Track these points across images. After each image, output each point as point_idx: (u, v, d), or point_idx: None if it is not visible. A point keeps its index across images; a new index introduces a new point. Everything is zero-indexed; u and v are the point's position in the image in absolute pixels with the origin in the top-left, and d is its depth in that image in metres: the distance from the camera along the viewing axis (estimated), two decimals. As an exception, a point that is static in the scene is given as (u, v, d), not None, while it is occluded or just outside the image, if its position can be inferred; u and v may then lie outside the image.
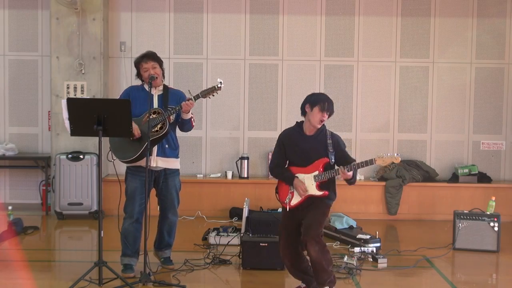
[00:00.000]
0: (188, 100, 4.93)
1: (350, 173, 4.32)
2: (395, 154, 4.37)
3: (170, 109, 4.98)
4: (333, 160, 4.39)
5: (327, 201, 4.49)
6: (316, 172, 4.40)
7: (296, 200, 4.47)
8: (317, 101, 4.42)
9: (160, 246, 5.38)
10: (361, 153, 7.89)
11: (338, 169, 4.36)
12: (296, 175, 4.46)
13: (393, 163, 7.67)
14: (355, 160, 4.44)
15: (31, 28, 7.95)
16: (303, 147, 4.46)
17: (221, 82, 4.93)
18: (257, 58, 8.01)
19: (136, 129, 4.90)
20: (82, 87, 7.54)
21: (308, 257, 4.47)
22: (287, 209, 4.52)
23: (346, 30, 7.97)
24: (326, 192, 4.42)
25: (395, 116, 8.04)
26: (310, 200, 4.44)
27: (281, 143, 4.60)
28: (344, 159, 4.44)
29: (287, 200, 4.50)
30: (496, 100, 8.03)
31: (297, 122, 4.61)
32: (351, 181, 4.42)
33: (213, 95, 5.02)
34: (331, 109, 4.44)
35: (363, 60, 8.00)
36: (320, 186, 4.41)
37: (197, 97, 4.96)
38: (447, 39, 7.98)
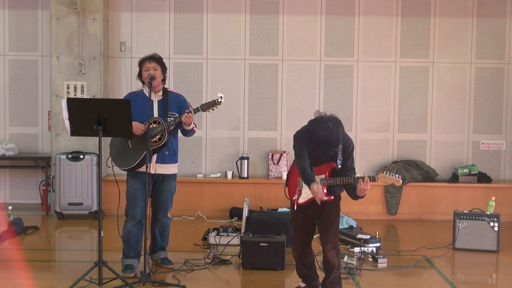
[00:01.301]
0: (188, 113, 4.96)
1: (369, 186, 4.24)
2: (397, 176, 4.30)
3: (170, 120, 5.01)
4: (339, 166, 4.36)
5: (337, 192, 4.49)
6: (323, 176, 4.38)
7: (303, 199, 4.46)
8: (317, 145, 4.30)
9: (154, 249, 5.39)
10: (361, 153, 7.88)
11: (360, 177, 4.27)
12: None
13: (394, 164, 7.62)
14: (355, 173, 4.39)
15: (31, 28, 7.95)
16: (315, 149, 4.40)
17: (221, 97, 4.99)
18: (257, 58, 8.01)
19: (137, 126, 4.90)
20: (82, 87, 7.54)
21: (323, 257, 4.50)
22: (295, 207, 4.51)
23: (346, 30, 7.97)
24: (332, 198, 4.40)
25: (395, 116, 8.04)
26: None
27: (301, 142, 4.45)
28: (344, 166, 4.39)
29: (295, 197, 4.49)
30: (496, 100, 8.03)
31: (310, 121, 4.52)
32: (358, 196, 4.36)
33: (213, 109, 5.08)
34: (331, 148, 4.29)
35: (363, 60, 8.00)
36: (327, 190, 4.39)
37: (196, 110, 5.01)
38: (447, 39, 7.98)
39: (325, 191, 4.38)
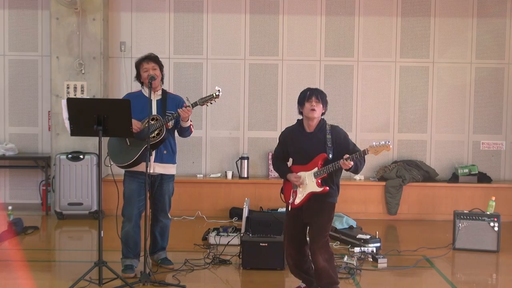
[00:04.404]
0: (186, 107, 4.96)
1: (351, 163, 4.27)
2: (387, 142, 4.28)
3: (168, 115, 5.00)
4: (331, 156, 4.36)
5: (331, 200, 4.46)
6: (316, 169, 4.39)
7: (299, 199, 4.46)
8: (302, 96, 4.47)
9: (154, 250, 5.39)
10: (361, 153, 7.88)
11: (339, 160, 4.30)
12: (298, 173, 4.45)
13: (394, 164, 7.55)
14: (360, 150, 4.39)
15: (31, 28, 7.95)
16: (304, 145, 4.45)
17: (219, 90, 4.97)
18: (257, 58, 8.01)
19: (135, 124, 4.90)
20: (82, 87, 7.54)
21: (312, 263, 4.49)
22: (290, 209, 4.51)
23: (346, 30, 7.97)
24: (327, 188, 4.39)
25: (395, 116, 8.04)
26: (313, 199, 4.42)
27: (281, 142, 4.64)
28: (347, 151, 4.38)
29: (291, 200, 4.50)
30: (496, 100, 8.03)
31: (298, 120, 4.60)
32: (351, 170, 4.37)
33: (211, 103, 5.05)
34: (319, 95, 4.42)
35: (363, 60, 8.00)
36: (321, 182, 4.40)
37: (194, 104, 4.99)
38: (447, 39, 7.98)
39: (319, 181, 4.38)
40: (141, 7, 7.94)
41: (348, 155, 4.28)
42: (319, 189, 4.39)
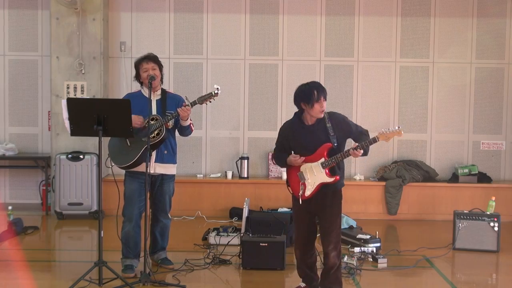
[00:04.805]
0: (185, 106, 4.96)
1: (361, 152, 4.31)
2: (397, 128, 4.30)
3: (167, 115, 5.00)
4: (335, 144, 4.36)
5: (339, 186, 4.47)
6: (322, 159, 4.37)
7: (309, 190, 4.44)
8: (309, 96, 4.40)
9: (154, 250, 5.39)
10: (361, 153, 7.88)
11: (349, 150, 4.32)
12: (304, 165, 4.43)
13: (394, 164, 7.56)
14: (366, 131, 4.46)
15: (31, 28, 7.95)
16: (306, 138, 4.44)
17: (218, 89, 4.99)
18: (257, 58, 8.01)
19: (136, 119, 4.89)
20: (82, 87, 7.54)
21: (324, 258, 4.50)
22: (300, 201, 4.48)
23: (346, 30, 7.97)
24: (338, 177, 4.39)
25: (395, 116, 8.04)
26: (323, 189, 4.42)
27: (282, 137, 4.62)
28: (352, 134, 4.42)
29: (301, 192, 4.47)
30: (496, 100, 8.03)
31: (295, 113, 4.57)
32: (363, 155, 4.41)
33: (210, 101, 5.07)
34: (325, 93, 4.45)
35: (363, 60, 8.00)
36: (330, 172, 4.39)
37: (194, 103, 5.00)
38: (447, 39, 7.98)
39: (328, 171, 4.37)
40: (141, 7, 7.94)
41: (357, 144, 4.30)
42: (330, 180, 4.38)
